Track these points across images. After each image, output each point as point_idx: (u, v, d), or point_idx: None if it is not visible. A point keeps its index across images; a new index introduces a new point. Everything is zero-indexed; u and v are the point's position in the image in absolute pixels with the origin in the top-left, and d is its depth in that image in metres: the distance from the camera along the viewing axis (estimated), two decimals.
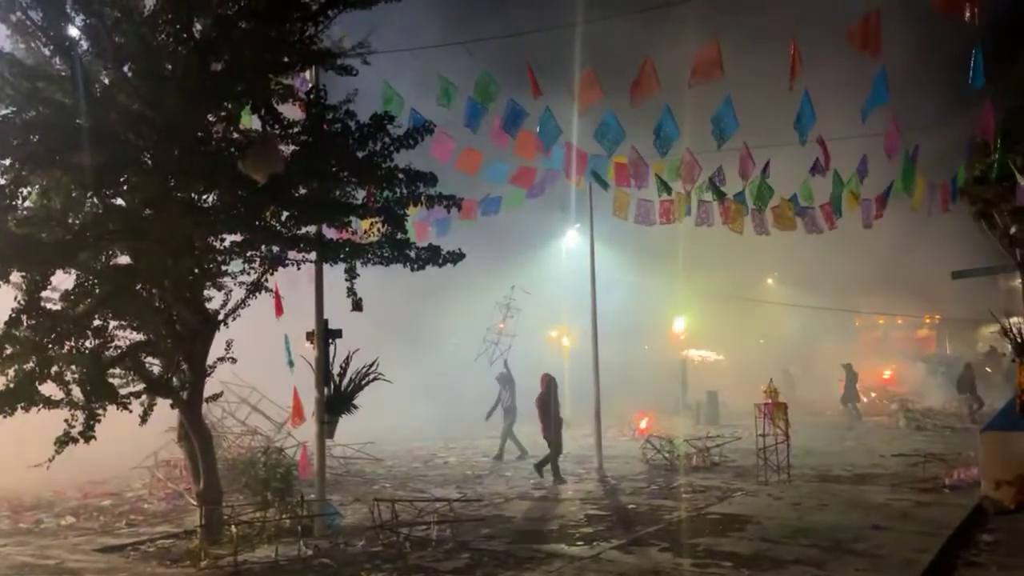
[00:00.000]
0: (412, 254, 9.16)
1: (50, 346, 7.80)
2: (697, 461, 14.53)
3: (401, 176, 8.94)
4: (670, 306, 35.45)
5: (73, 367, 8.16)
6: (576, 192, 16.76)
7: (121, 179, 8.03)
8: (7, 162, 7.38)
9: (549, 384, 13.88)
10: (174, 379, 9.22)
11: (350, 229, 9.47)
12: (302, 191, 8.87)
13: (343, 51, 8.76)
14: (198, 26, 7.94)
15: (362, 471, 15.14)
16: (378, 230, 9.08)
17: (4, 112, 7.47)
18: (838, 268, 32.37)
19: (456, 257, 9.29)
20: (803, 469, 13.35)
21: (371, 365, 10.04)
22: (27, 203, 7.81)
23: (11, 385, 7.68)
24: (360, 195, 9.34)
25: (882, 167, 15.09)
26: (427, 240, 11.57)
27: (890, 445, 16.87)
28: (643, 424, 20.80)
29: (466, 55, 11.97)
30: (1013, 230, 15.00)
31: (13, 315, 7.54)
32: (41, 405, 7.95)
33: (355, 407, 10.00)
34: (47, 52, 7.75)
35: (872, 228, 16.19)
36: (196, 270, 8.91)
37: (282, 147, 8.56)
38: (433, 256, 9.21)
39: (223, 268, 9.47)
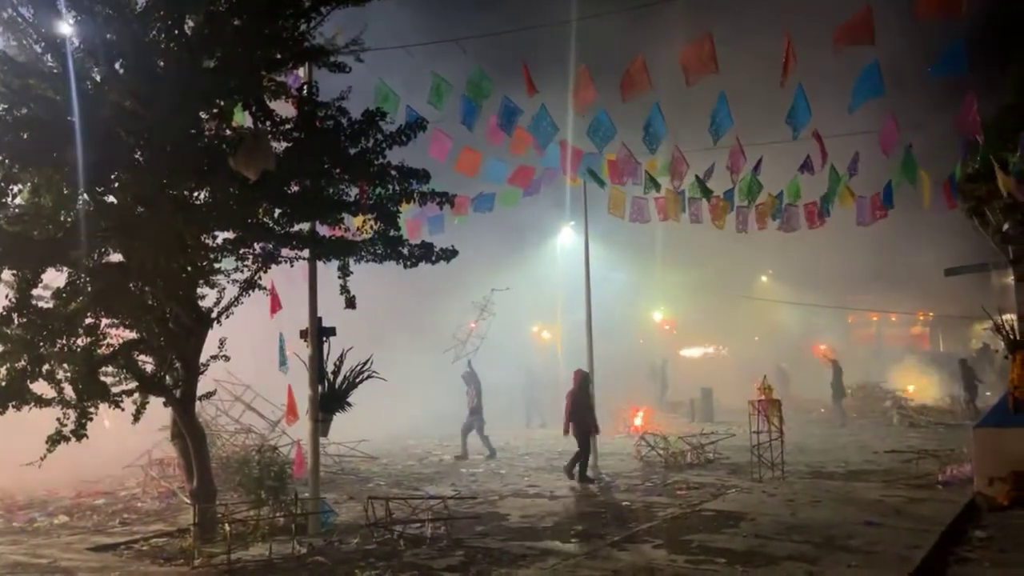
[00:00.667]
0: (405, 251, 9.16)
1: (41, 344, 7.79)
2: (692, 458, 14.56)
3: (394, 173, 8.93)
4: (663, 301, 35.54)
5: (65, 365, 8.14)
6: (571, 189, 16.76)
7: (112, 176, 7.99)
8: None
9: (582, 381, 13.60)
10: (167, 377, 9.21)
11: (343, 226, 9.44)
12: (294, 188, 8.84)
13: (336, 48, 8.73)
14: (190, 23, 7.89)
15: (356, 469, 15.14)
16: (371, 227, 9.07)
17: None
18: (832, 265, 32.45)
19: (449, 254, 9.28)
20: (797, 466, 13.40)
21: (365, 363, 10.02)
22: (18, 201, 7.77)
23: (2, 383, 7.66)
24: (353, 192, 9.30)
25: (877, 164, 15.07)
26: (424, 238, 11.52)
27: (883, 442, 16.93)
28: (637, 421, 20.85)
29: (460, 53, 11.92)
30: (1006, 227, 15.00)
31: (4, 313, 7.53)
32: (33, 404, 7.94)
33: (349, 405, 9.98)
34: (38, 49, 7.69)
35: (867, 226, 16.17)
36: (188, 268, 8.86)
37: (274, 144, 8.52)
38: (426, 253, 9.20)
39: (216, 266, 9.43)
